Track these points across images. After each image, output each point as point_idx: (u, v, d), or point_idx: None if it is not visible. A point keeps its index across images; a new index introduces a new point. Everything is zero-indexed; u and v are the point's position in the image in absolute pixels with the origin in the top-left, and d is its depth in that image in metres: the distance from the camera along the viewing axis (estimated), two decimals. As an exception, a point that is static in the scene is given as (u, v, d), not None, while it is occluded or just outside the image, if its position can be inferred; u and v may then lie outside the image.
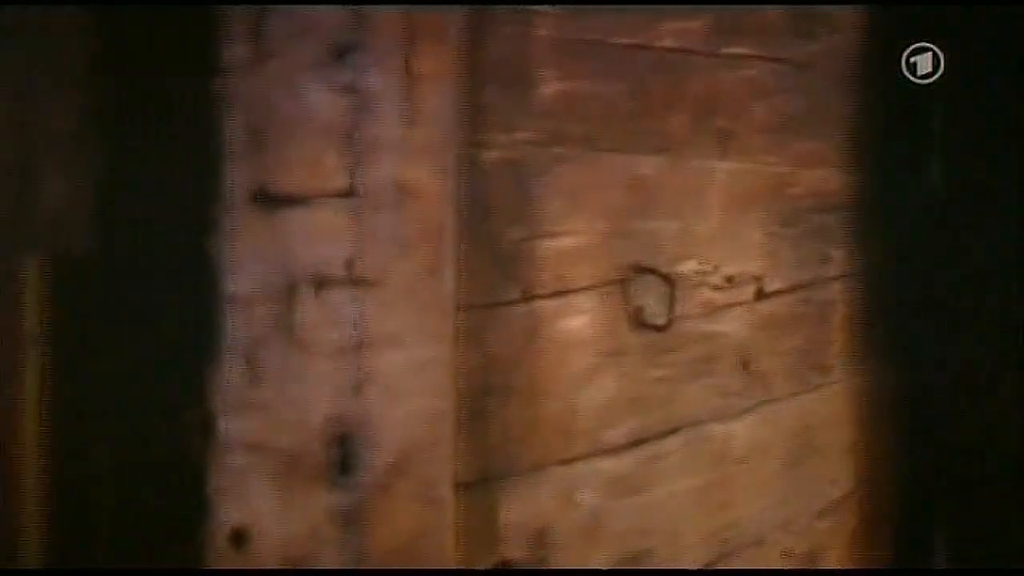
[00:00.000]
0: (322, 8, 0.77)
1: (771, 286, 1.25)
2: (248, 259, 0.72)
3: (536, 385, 0.98)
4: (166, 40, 0.71)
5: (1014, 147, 1.49)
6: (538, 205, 0.99)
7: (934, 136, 1.51)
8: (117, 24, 0.71)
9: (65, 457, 0.73)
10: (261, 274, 0.73)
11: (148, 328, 0.71)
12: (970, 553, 1.50)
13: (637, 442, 1.08)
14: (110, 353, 0.72)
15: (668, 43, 1.11)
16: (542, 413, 0.99)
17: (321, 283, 0.77)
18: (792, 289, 1.28)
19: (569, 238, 1.02)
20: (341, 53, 0.78)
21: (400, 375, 0.82)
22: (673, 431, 1.11)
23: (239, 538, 0.73)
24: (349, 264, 0.78)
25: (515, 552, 0.96)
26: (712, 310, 1.17)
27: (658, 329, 1.09)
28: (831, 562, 1.34)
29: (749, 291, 1.22)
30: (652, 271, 1.09)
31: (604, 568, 1.07)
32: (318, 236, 0.77)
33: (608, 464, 1.04)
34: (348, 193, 0.78)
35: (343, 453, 0.79)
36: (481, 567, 0.94)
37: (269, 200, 0.73)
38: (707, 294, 1.17)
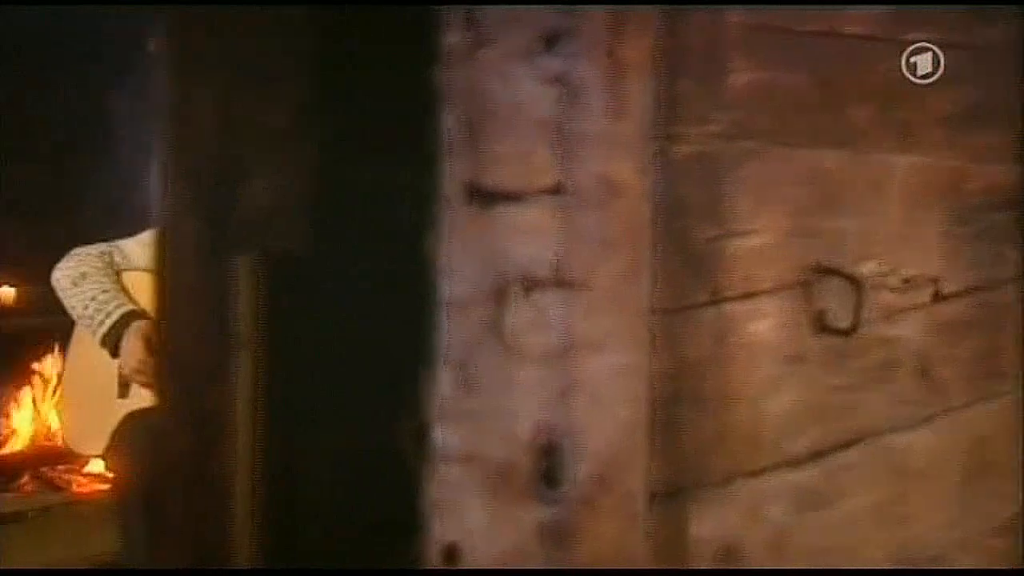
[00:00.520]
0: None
1: (948, 288, 1.17)
2: (463, 259, 0.68)
3: (724, 392, 0.93)
4: (382, 30, 0.67)
5: None
6: (727, 202, 0.93)
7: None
8: (332, 16, 0.67)
9: (275, 460, 0.70)
10: (475, 275, 0.69)
11: (360, 330, 0.68)
12: None
13: (819, 453, 1.02)
14: (322, 356, 0.69)
15: (853, 30, 1.05)
16: (730, 422, 0.93)
17: (530, 285, 0.73)
18: (968, 292, 1.21)
19: (756, 237, 0.96)
20: (551, 40, 0.73)
21: (603, 382, 0.78)
22: (854, 442, 1.05)
23: (451, 555, 0.69)
24: (557, 265, 0.74)
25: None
26: (891, 314, 1.11)
27: (841, 333, 1.03)
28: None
29: (927, 293, 1.15)
30: (835, 272, 1.03)
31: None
32: (528, 235, 0.72)
33: (792, 477, 0.99)
34: (557, 190, 0.74)
35: (550, 465, 0.74)
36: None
37: (484, 197, 0.69)
38: (886, 297, 1.10)
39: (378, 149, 0.67)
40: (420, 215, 0.67)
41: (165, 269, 0.71)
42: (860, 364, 1.07)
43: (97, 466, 2.74)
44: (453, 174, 0.67)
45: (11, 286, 4.38)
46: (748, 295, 0.95)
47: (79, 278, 2.24)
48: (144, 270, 2.27)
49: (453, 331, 0.68)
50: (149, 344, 2.12)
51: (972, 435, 1.21)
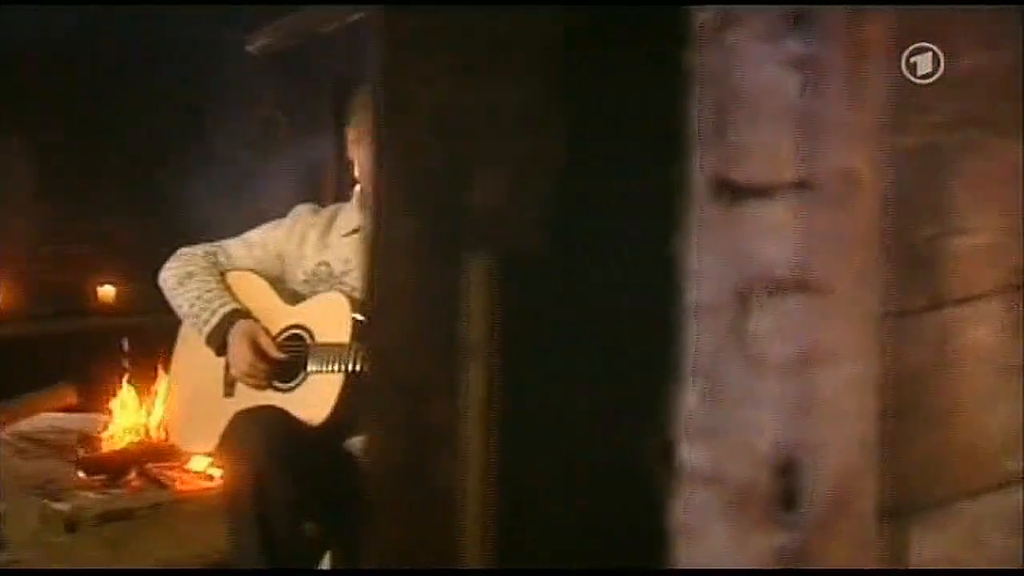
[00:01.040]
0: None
1: None
2: (710, 261, 0.62)
3: (943, 405, 0.86)
4: (628, 9, 0.61)
5: None
6: (947, 197, 0.86)
7: None
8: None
9: (507, 476, 0.65)
10: (722, 278, 0.63)
11: (599, 337, 0.62)
12: None
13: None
14: (558, 365, 0.63)
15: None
16: (950, 437, 0.86)
17: (772, 288, 0.67)
18: None
19: (976, 235, 0.88)
20: (798, 19, 0.67)
21: (839, 393, 0.71)
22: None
23: (695, 582, 0.64)
24: (799, 267, 0.68)
25: (926, 597, 0.83)
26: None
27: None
28: None
29: None
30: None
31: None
32: (772, 234, 0.66)
33: (1011, 499, 0.91)
34: (801, 184, 0.67)
35: (789, 485, 0.68)
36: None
37: (732, 192, 0.63)
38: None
39: (621, 141, 0.62)
40: (665, 212, 0.61)
41: (378, 271, 0.66)
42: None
43: (199, 463, 2.74)
44: (702, 167, 0.61)
45: (112, 285, 4.46)
46: (967, 299, 0.87)
47: (185, 277, 2.23)
48: (248, 270, 2.26)
49: (700, 339, 0.62)
50: (254, 343, 2.10)
51: None
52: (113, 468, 2.68)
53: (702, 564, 0.63)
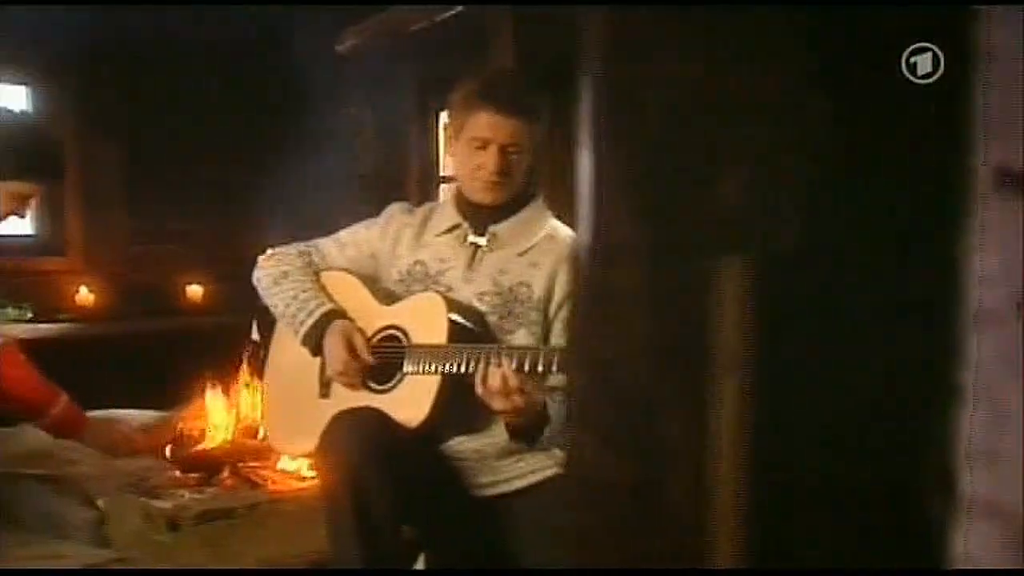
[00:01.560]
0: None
1: None
2: (994, 264, 0.55)
3: None
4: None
5: None
6: None
7: None
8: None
9: (764, 496, 0.59)
10: (1006, 284, 0.55)
11: (867, 348, 0.56)
12: None
13: None
14: (819, 379, 0.57)
15: None
16: None
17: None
18: None
19: None
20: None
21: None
22: None
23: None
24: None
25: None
26: None
27: None
28: None
29: None
30: None
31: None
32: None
33: None
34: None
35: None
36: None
37: (1021, 186, 0.55)
38: None
39: (890, 130, 0.55)
40: (942, 209, 0.54)
41: (596, 278, 0.61)
42: None
43: (290, 463, 2.75)
44: (986, 158, 0.54)
45: (200, 284, 4.54)
46: None
47: (280, 277, 2.23)
48: (342, 270, 2.25)
49: (982, 352, 0.55)
50: (350, 343, 2.09)
51: None
52: (207, 466, 2.71)
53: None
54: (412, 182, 4.03)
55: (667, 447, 0.59)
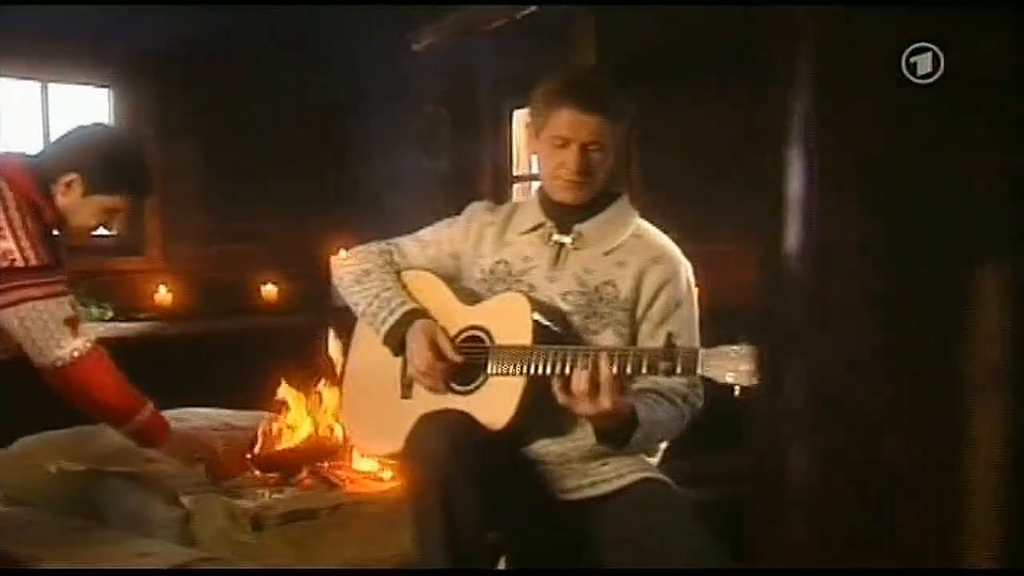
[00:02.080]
0: None
1: None
2: None
3: None
4: None
5: None
6: None
7: None
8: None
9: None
10: None
11: None
12: None
13: None
14: None
15: None
16: None
17: None
18: None
19: None
20: None
21: None
22: None
23: None
24: None
25: None
26: None
27: None
28: None
29: None
30: None
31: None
32: None
33: None
34: None
35: None
36: None
37: None
38: None
39: None
40: None
41: (816, 282, 0.55)
42: None
43: (367, 464, 2.74)
44: None
45: (274, 284, 4.59)
46: None
47: (362, 275, 2.22)
48: (423, 269, 2.23)
49: None
50: (433, 343, 2.07)
51: None
52: (286, 466, 2.71)
53: None
54: (486, 181, 4.01)
55: (898, 471, 0.53)
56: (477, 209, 2.24)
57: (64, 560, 2.14)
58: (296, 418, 2.92)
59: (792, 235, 0.55)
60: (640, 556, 1.93)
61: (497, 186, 3.99)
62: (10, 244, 2.13)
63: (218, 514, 2.27)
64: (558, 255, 2.10)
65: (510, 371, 1.98)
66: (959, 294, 0.51)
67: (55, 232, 2.32)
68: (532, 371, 1.94)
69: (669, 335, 1.83)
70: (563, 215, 2.10)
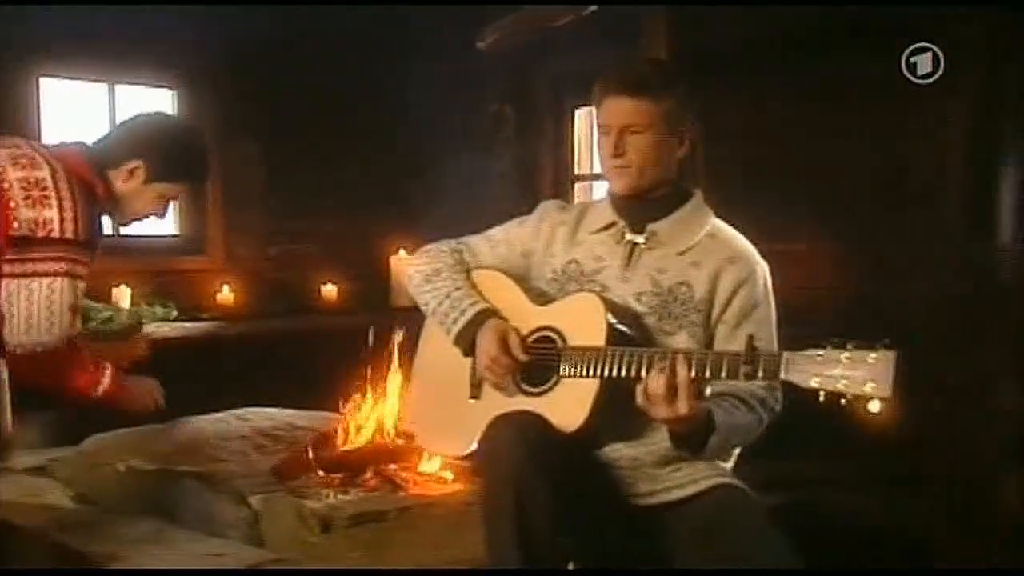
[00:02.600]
0: None
1: None
2: None
3: None
4: None
5: None
6: None
7: None
8: None
9: None
10: None
11: None
12: None
13: None
14: None
15: None
16: None
17: None
18: None
19: None
20: None
21: None
22: None
23: None
24: None
25: None
26: None
27: None
28: None
29: None
30: None
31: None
32: None
33: None
34: None
35: None
36: None
37: None
38: None
39: None
40: None
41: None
42: None
43: (431, 465, 2.73)
44: None
45: (334, 283, 4.60)
46: None
47: (432, 274, 2.20)
48: (493, 268, 2.20)
49: None
50: (503, 343, 2.03)
51: None
52: (351, 467, 2.70)
53: None
54: (547, 180, 3.98)
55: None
56: (549, 208, 2.21)
57: (137, 559, 2.15)
58: (360, 418, 2.91)
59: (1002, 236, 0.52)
60: (715, 563, 1.88)
61: (558, 185, 3.96)
62: (53, 213, 2.11)
63: (287, 515, 2.27)
64: (631, 255, 2.06)
65: (583, 373, 1.94)
66: None
67: (103, 216, 2.31)
68: (606, 373, 1.90)
69: (750, 337, 1.78)
70: (635, 214, 2.06)
